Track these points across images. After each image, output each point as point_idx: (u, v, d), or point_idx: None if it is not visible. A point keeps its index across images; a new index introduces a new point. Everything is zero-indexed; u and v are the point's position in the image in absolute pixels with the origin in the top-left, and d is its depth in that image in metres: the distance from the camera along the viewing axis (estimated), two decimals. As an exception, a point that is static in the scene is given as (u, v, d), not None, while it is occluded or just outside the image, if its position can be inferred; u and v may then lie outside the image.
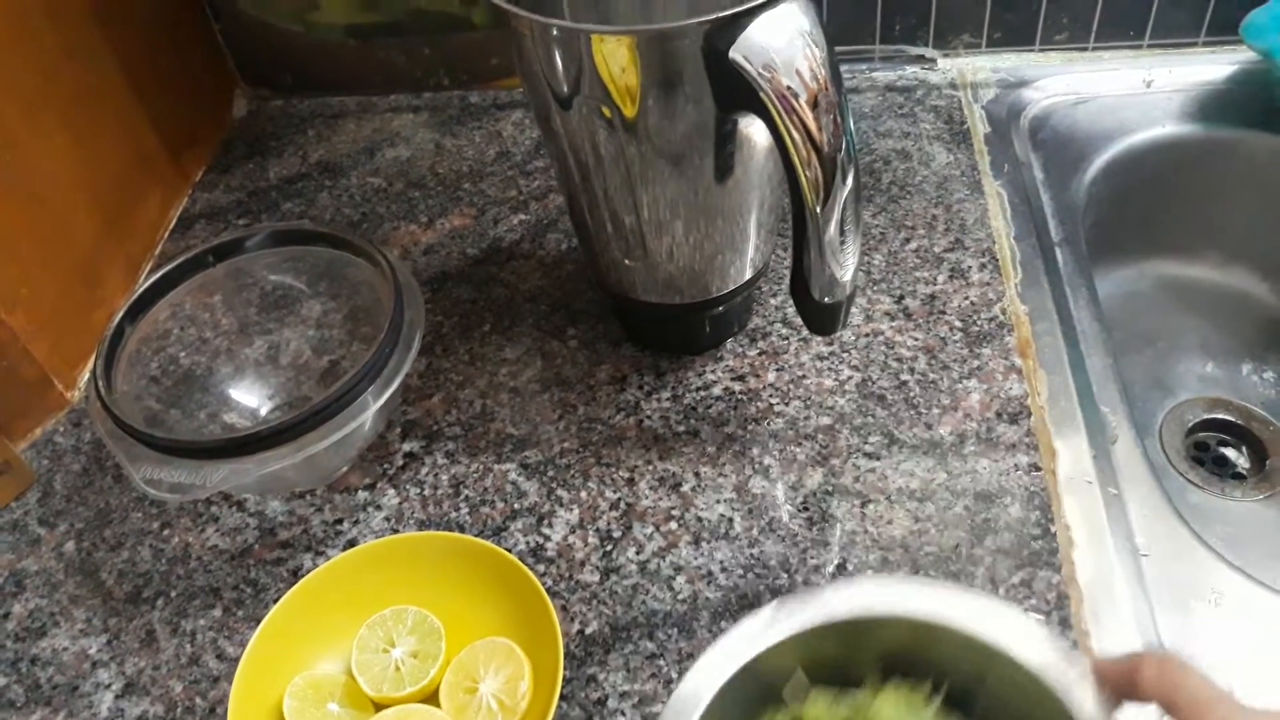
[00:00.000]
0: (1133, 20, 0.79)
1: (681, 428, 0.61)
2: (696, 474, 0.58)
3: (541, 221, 0.74)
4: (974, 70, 0.81)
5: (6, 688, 0.54)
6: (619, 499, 0.58)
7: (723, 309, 0.61)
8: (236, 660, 0.49)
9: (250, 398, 0.63)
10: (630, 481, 0.58)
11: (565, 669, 0.51)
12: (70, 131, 0.68)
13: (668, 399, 0.62)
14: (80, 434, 0.65)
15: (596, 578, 0.55)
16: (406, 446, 0.62)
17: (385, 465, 0.61)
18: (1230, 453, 0.75)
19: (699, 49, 0.44)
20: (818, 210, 0.45)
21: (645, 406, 0.62)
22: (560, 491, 0.58)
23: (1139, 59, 0.81)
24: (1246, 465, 0.75)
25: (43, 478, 0.63)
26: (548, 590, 0.53)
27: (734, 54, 0.42)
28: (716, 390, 0.62)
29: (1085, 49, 0.81)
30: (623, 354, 0.65)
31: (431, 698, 0.49)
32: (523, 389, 0.64)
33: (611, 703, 0.50)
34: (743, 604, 0.53)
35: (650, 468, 0.59)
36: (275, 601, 0.51)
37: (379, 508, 0.59)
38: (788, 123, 0.43)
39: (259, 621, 0.50)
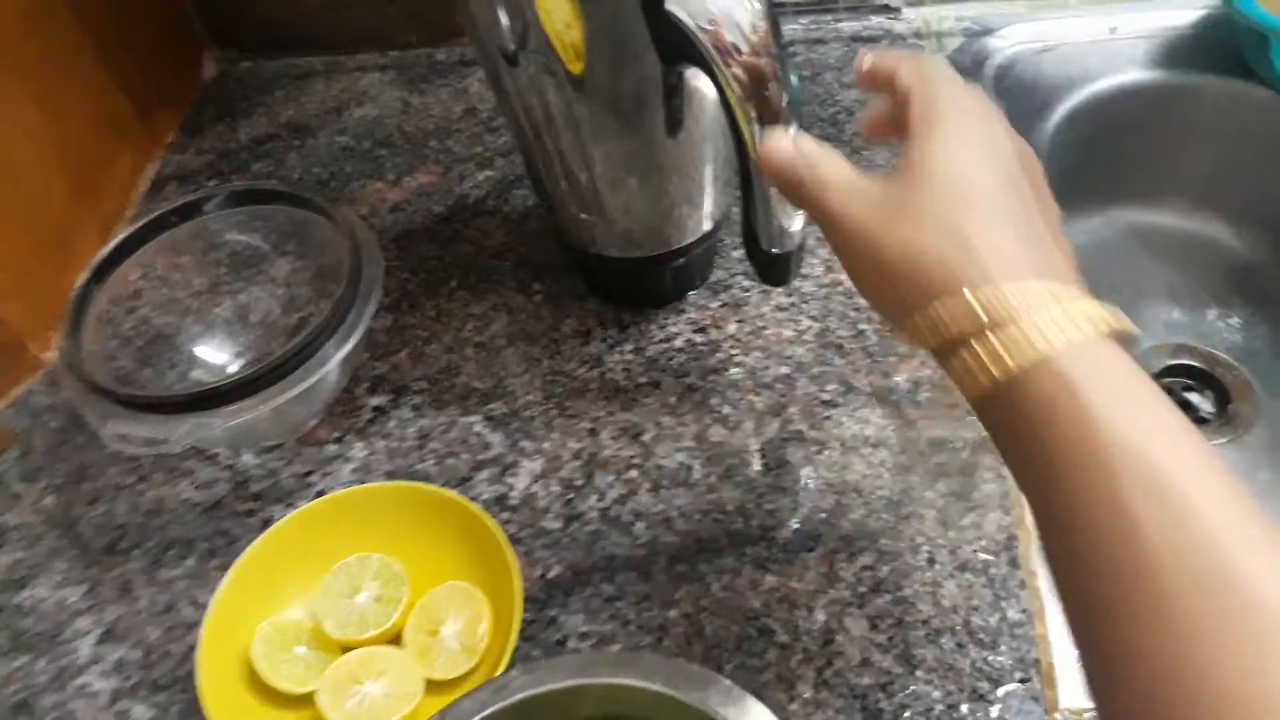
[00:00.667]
0: (1098, -34, 0.80)
1: (643, 379, 0.62)
2: (657, 423, 0.60)
3: (507, 178, 0.75)
4: (939, 19, 0.82)
5: (-11, 638, 0.56)
6: (581, 449, 0.59)
7: (683, 261, 0.62)
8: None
9: (220, 355, 0.65)
10: (593, 432, 0.60)
11: (527, 612, 0.52)
12: (35, 97, 0.68)
13: (630, 351, 0.63)
14: (56, 393, 0.66)
15: (559, 524, 0.56)
16: (374, 400, 0.63)
17: (353, 419, 0.62)
18: (1194, 397, 0.77)
19: (637, 2, 0.44)
20: (754, 174, 0.46)
21: (608, 359, 0.63)
22: (524, 443, 0.60)
23: (1104, 5, 0.81)
24: (1210, 410, 0.76)
25: (21, 436, 0.64)
26: (511, 538, 0.55)
27: (670, 6, 0.43)
28: (678, 342, 0.63)
29: (1051, -4, 0.81)
30: (587, 307, 0.66)
31: (395, 640, 0.51)
32: (488, 344, 0.65)
33: (571, 642, 0.52)
34: (700, 547, 0.54)
35: (612, 418, 0.60)
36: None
37: (347, 460, 0.60)
38: (727, 76, 0.43)
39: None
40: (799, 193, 0.39)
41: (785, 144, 0.39)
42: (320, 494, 0.59)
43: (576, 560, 0.55)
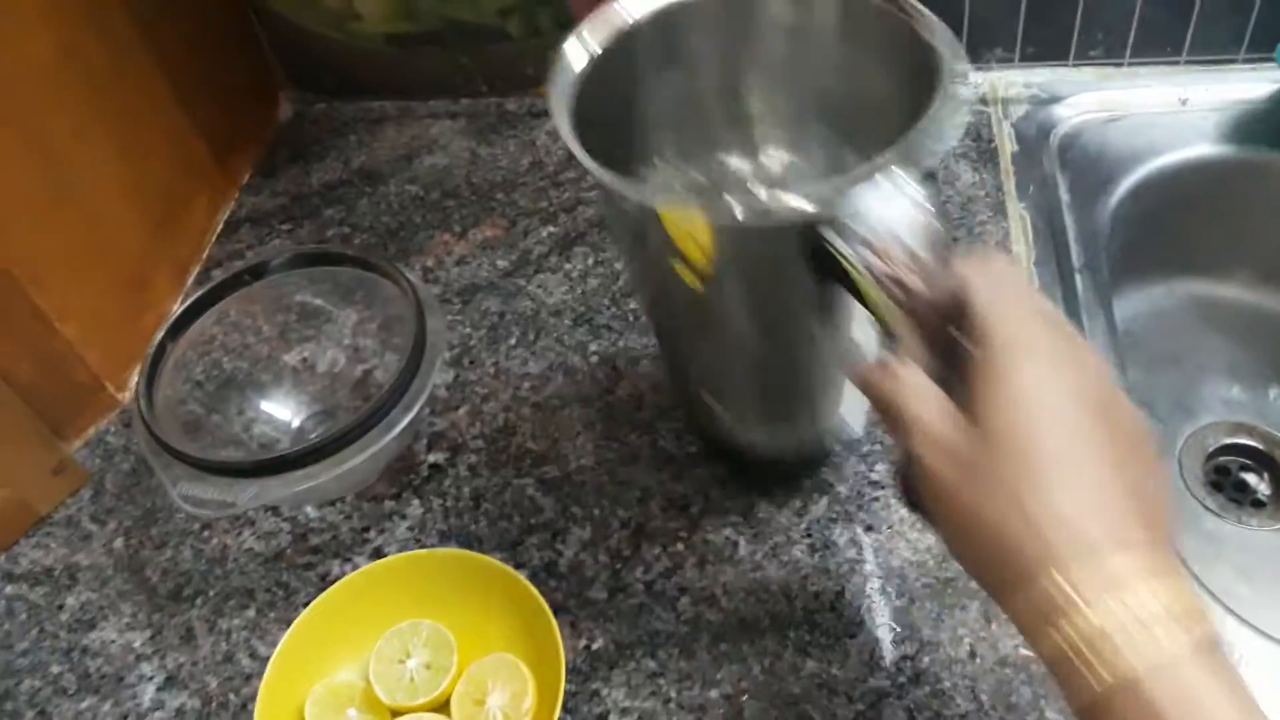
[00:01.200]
0: (1170, 36, 0.79)
1: (693, 449, 0.63)
2: (705, 496, 0.61)
3: (570, 234, 0.76)
4: (1005, 85, 0.81)
5: (60, 675, 0.58)
6: (629, 518, 0.60)
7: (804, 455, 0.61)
8: (267, 659, 0.53)
9: (286, 407, 0.67)
10: (641, 501, 0.61)
11: (570, 683, 0.54)
12: (118, 145, 0.71)
13: (680, 418, 0.64)
14: (130, 434, 0.69)
15: (605, 595, 0.57)
16: (432, 458, 0.65)
17: (411, 476, 0.64)
18: (1251, 478, 0.76)
19: (794, 233, 0.41)
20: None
21: (659, 425, 0.64)
22: (574, 508, 0.61)
23: (1175, 76, 0.80)
24: (1267, 492, 0.75)
25: (95, 476, 0.67)
26: (558, 605, 0.57)
27: (827, 233, 0.39)
28: (730, 412, 0.64)
29: (1120, 64, 0.81)
30: (640, 371, 0.67)
31: (443, 708, 0.52)
32: (544, 404, 0.67)
33: (613, 718, 0.53)
34: (742, 627, 0.55)
35: (661, 488, 0.61)
36: (305, 604, 0.55)
37: (404, 517, 0.62)
38: (880, 303, 0.39)
39: (289, 623, 0.54)
40: (888, 426, 0.37)
41: (882, 374, 0.37)
42: (377, 550, 0.61)
43: (621, 633, 0.56)
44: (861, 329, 0.49)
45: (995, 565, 0.33)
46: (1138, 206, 0.76)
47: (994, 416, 0.33)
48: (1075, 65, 0.81)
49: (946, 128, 0.41)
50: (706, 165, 0.55)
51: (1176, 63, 0.80)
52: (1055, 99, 0.80)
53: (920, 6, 0.46)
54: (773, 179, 0.56)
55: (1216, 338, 0.81)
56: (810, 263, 0.41)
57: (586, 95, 0.47)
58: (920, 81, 0.44)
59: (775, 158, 0.56)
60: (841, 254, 0.39)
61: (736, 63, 0.53)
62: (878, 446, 0.61)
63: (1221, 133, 0.77)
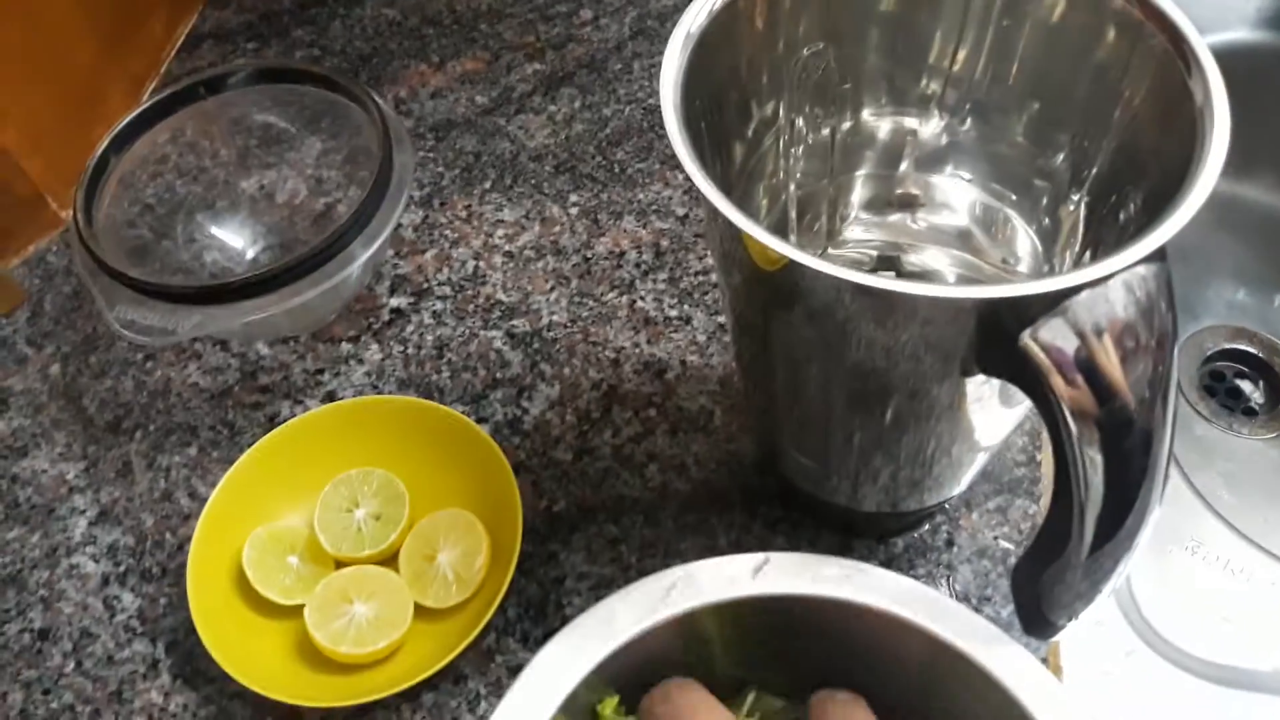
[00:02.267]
0: (1223, -94, 0.72)
1: (673, 312, 0.59)
2: (683, 361, 0.57)
3: (557, 74, 0.71)
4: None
5: (-13, 503, 0.55)
6: (601, 379, 0.57)
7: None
8: (206, 500, 0.50)
9: (241, 236, 0.62)
10: (615, 363, 0.57)
11: (528, 545, 0.51)
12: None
13: (664, 280, 0.60)
14: (73, 254, 0.64)
15: (570, 457, 0.54)
16: (394, 301, 0.61)
17: (371, 319, 0.60)
18: (1245, 385, 0.73)
19: (974, 318, 0.33)
20: (1083, 550, 0.34)
21: (640, 286, 0.60)
22: (544, 365, 0.58)
23: (1223, -49, 0.74)
24: (1260, 400, 0.72)
25: (33, 296, 0.63)
26: (520, 464, 0.54)
27: (1027, 339, 0.31)
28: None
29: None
30: (623, 228, 0.63)
31: (390, 561, 0.50)
32: (518, 254, 0.62)
33: (569, 582, 0.50)
34: (711, 498, 0.52)
35: (637, 350, 0.58)
36: (250, 445, 0.51)
37: (361, 361, 0.58)
38: (1079, 447, 0.32)
39: (232, 464, 0.51)
40: None
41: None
42: (330, 394, 0.57)
43: (584, 496, 0.53)
44: (1001, 417, 0.41)
45: None
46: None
47: None
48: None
49: (1195, 193, 0.33)
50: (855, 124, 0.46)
51: (1225, -64, 0.74)
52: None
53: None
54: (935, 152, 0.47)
55: (1228, 238, 0.77)
56: (986, 355, 0.34)
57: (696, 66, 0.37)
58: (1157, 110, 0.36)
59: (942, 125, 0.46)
60: (1038, 361, 0.31)
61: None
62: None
63: (1264, 17, 0.72)
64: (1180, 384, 0.71)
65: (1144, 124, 0.39)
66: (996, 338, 0.32)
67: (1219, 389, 0.72)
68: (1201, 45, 0.36)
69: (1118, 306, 0.31)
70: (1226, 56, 0.74)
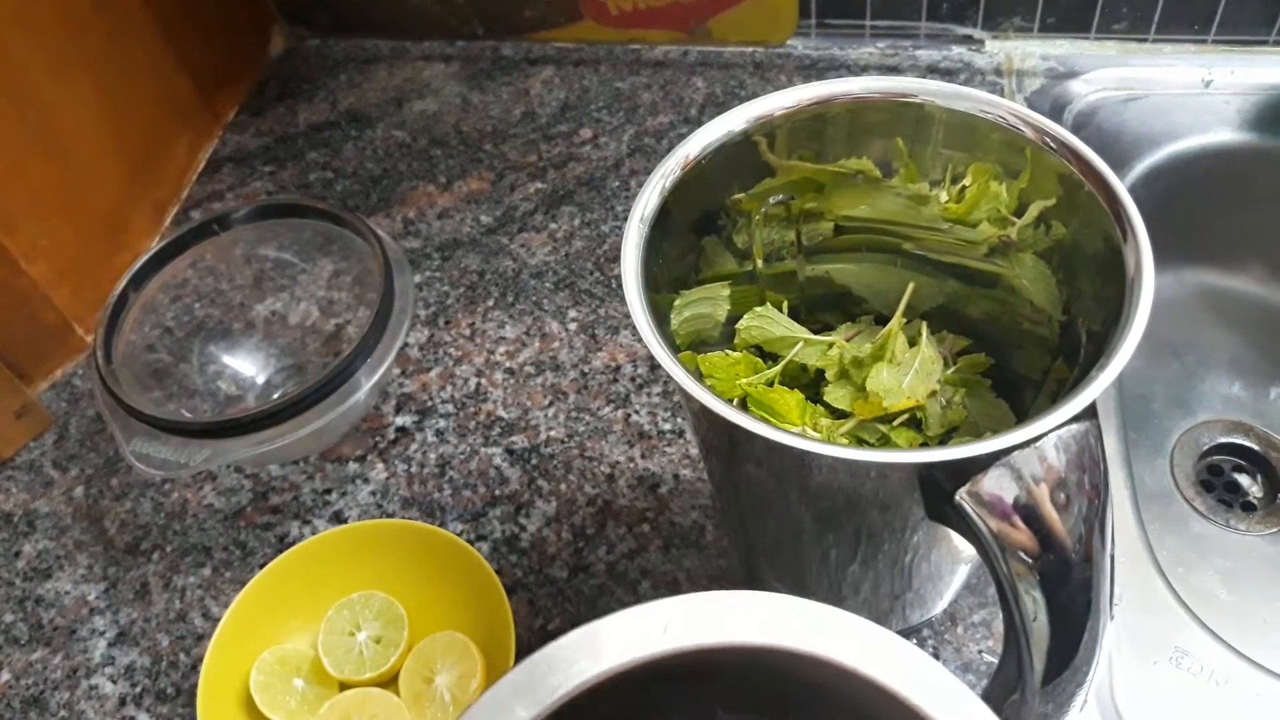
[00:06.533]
0: (1198, 13, 0.75)
1: (667, 427, 0.61)
2: (676, 475, 0.59)
3: (557, 192, 0.74)
4: (1022, 56, 0.78)
5: (13, 625, 0.58)
6: (597, 495, 0.59)
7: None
8: (219, 620, 0.52)
9: (255, 359, 0.65)
10: (610, 478, 0.59)
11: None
12: (98, 84, 0.69)
13: (658, 393, 0.62)
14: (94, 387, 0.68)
15: (565, 574, 0.56)
16: (400, 420, 0.63)
17: (377, 438, 0.63)
18: (1243, 479, 0.73)
19: (914, 476, 0.35)
20: (1035, 681, 0.36)
21: (635, 399, 0.62)
22: (541, 481, 0.60)
23: (1201, 55, 0.76)
24: (1259, 495, 0.73)
25: (60, 420, 0.66)
26: (517, 582, 0.55)
27: (961, 498, 0.33)
28: (708, 389, 0.62)
29: (1144, 40, 0.77)
30: (619, 342, 0.65)
31: (390, 683, 0.52)
32: (518, 370, 0.65)
33: (564, 701, 0.52)
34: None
35: (632, 465, 0.60)
36: (261, 566, 0.54)
37: (367, 481, 0.61)
38: (1021, 590, 0.34)
39: (243, 584, 0.53)
40: None
41: None
42: (337, 514, 0.60)
43: (579, 614, 0.55)
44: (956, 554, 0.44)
45: None
46: (1151, 191, 0.73)
47: None
48: (1097, 39, 0.77)
49: (1121, 351, 0.35)
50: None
51: (1203, 41, 0.76)
52: (1073, 74, 0.76)
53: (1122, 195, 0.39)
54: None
55: (1222, 331, 0.78)
56: (930, 505, 0.36)
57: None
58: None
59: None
60: (972, 520, 0.33)
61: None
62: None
63: (1244, 119, 0.74)
64: (1176, 480, 0.72)
65: (1091, 270, 0.41)
66: (935, 494, 0.34)
67: (1216, 484, 0.73)
68: (1138, 219, 0.38)
69: (1052, 461, 0.33)
70: (1210, 158, 0.76)
